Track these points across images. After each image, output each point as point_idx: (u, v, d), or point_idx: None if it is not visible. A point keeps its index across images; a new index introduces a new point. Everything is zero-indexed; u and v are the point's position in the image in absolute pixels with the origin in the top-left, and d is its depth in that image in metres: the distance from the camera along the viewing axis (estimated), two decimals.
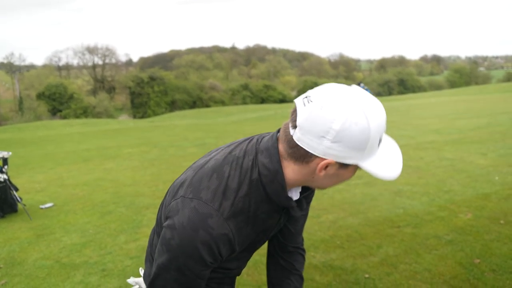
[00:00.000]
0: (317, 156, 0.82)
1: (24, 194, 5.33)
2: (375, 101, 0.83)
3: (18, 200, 4.62)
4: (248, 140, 0.97)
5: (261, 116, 19.14)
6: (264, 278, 2.80)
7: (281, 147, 0.89)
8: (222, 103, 44.01)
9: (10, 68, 45.76)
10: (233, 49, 77.71)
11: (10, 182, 4.61)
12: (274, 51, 75.18)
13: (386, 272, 2.78)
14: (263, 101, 44.45)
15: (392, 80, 52.71)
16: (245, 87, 47.49)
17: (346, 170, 0.86)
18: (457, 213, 3.83)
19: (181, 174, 1.01)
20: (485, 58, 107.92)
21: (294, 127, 0.83)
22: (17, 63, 47.82)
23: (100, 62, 53.36)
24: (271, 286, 1.24)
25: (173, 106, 45.20)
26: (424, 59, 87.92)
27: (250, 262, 2.97)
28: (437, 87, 51.67)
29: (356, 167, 0.87)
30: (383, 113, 0.84)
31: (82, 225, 4.18)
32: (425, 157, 6.50)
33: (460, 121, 10.79)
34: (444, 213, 3.85)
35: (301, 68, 65.02)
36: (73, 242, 3.72)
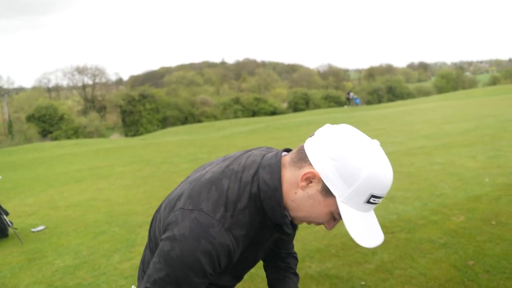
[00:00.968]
0: (310, 164, 0.85)
1: (15, 218, 5.26)
2: (386, 164, 0.84)
3: (8, 225, 4.55)
4: (246, 155, 0.98)
5: (253, 129, 19.21)
6: None
7: (288, 156, 0.92)
8: (214, 117, 44.07)
9: None
10: (223, 64, 78.34)
11: (0, 207, 4.55)
12: (263, 64, 75.89)
13: (382, 278, 2.78)
14: (254, 114, 44.61)
15: (381, 88, 53.36)
16: (236, 101, 47.69)
17: (324, 200, 0.85)
18: (449, 216, 3.86)
19: (176, 188, 1.02)
20: (470, 63, 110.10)
21: (311, 136, 0.90)
22: (5, 86, 47.58)
23: (90, 82, 53.28)
24: (270, 283, 1.29)
25: (165, 123, 45.14)
26: (411, 66, 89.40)
27: (246, 275, 2.95)
28: (425, 93, 52.43)
29: (333, 208, 0.86)
30: (386, 177, 0.82)
31: (75, 247, 4.12)
32: (416, 162, 6.57)
33: (449, 126, 10.95)
34: (436, 217, 3.88)
35: (291, 80, 65.61)
36: (66, 264, 3.67)
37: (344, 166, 0.81)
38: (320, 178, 0.84)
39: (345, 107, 28.47)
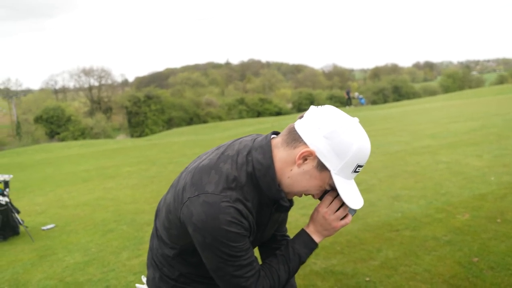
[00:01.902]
0: (304, 144, 0.95)
1: (25, 217, 5.36)
2: (367, 137, 0.98)
3: (20, 223, 4.65)
4: (238, 142, 1.07)
5: (258, 129, 19.25)
6: None
7: (279, 137, 1.02)
8: (219, 118, 44.19)
9: (7, 93, 45.98)
10: (228, 64, 78.49)
11: (12, 205, 4.65)
12: (268, 65, 75.94)
13: (387, 274, 2.82)
14: (259, 114, 44.65)
15: (386, 88, 53.13)
16: (241, 101, 47.75)
17: (319, 174, 0.97)
18: (454, 214, 3.88)
19: (179, 179, 1.08)
20: (477, 62, 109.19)
21: (301, 117, 0.99)
22: (13, 88, 48.09)
23: (96, 84, 53.70)
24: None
25: (170, 123, 45.34)
26: (417, 65, 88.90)
27: None
28: (431, 92, 52.11)
29: (326, 180, 0.98)
30: (368, 148, 0.97)
31: (84, 244, 4.21)
32: (422, 161, 6.58)
33: (455, 125, 10.91)
34: (441, 215, 3.90)
35: (295, 81, 65.58)
36: (76, 261, 3.74)
37: (337, 143, 0.93)
38: (316, 156, 0.95)
39: (347, 107, 28.38)
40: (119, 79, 62.48)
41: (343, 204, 1.05)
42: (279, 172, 0.99)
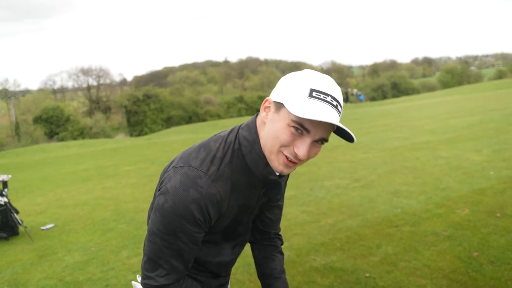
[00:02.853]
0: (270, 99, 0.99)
1: (24, 217, 5.34)
2: (320, 73, 0.98)
3: (19, 223, 4.64)
4: (234, 126, 1.10)
5: None
6: None
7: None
8: (218, 116, 44.15)
9: (5, 94, 45.87)
10: (226, 62, 78.37)
11: (11, 205, 4.63)
12: (266, 62, 75.83)
13: (387, 270, 2.81)
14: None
15: (385, 84, 53.06)
16: (240, 99, 47.69)
17: (278, 115, 0.94)
18: (454, 209, 3.88)
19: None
20: (475, 58, 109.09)
21: None
22: (12, 88, 47.96)
23: (95, 83, 53.60)
24: (258, 263, 1.35)
25: (169, 122, 45.29)
26: (415, 61, 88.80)
27: (252, 269, 3.00)
28: (430, 88, 52.07)
29: (286, 116, 0.91)
30: (316, 75, 0.95)
31: (83, 244, 4.20)
32: (421, 157, 6.57)
33: (454, 120, 10.90)
34: (441, 210, 3.90)
35: None
36: (76, 260, 3.74)
37: (284, 81, 0.97)
38: (272, 100, 0.97)
39: (346, 103, 28.33)
40: (117, 79, 62.35)
41: None
42: (261, 142, 0.99)
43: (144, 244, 1.20)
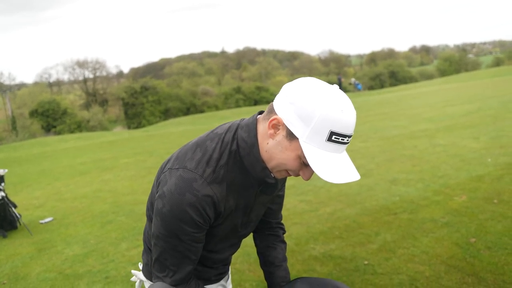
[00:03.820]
0: (275, 113, 0.92)
1: (23, 211, 5.34)
2: (341, 103, 0.87)
3: (17, 217, 4.63)
4: (230, 123, 1.07)
5: None
6: None
7: (263, 114, 0.99)
8: (216, 107, 44.03)
9: (0, 88, 45.55)
10: (223, 53, 77.87)
11: (8, 199, 4.62)
12: (264, 52, 75.35)
13: (385, 257, 2.83)
14: (256, 102, 44.47)
15: (383, 73, 52.87)
16: (238, 90, 47.50)
17: (290, 144, 0.89)
18: (452, 196, 3.89)
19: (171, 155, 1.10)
20: (473, 45, 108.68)
21: None
22: (7, 82, 47.55)
23: (91, 76, 53.23)
24: (260, 252, 1.35)
25: (167, 114, 45.15)
26: (413, 50, 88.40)
27: (252, 259, 3.01)
28: (428, 76, 51.95)
29: (299, 151, 0.89)
30: (339, 115, 0.85)
31: (83, 236, 4.20)
32: (419, 145, 6.58)
33: (451, 108, 10.90)
34: (439, 197, 3.91)
35: (292, 68, 65.20)
36: (75, 253, 3.74)
37: (301, 107, 0.87)
38: (284, 123, 0.90)
39: None
40: (114, 71, 62.04)
41: None
42: (260, 147, 0.97)
43: (144, 234, 1.22)
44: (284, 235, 1.38)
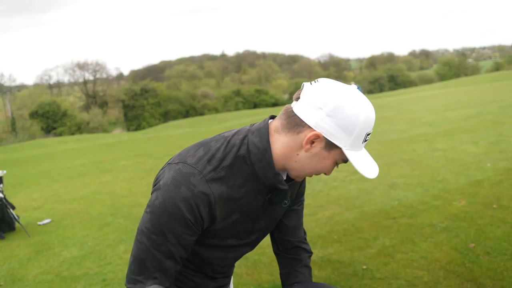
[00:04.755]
0: (309, 127, 0.89)
1: (21, 212, 5.33)
2: (369, 102, 0.93)
3: (15, 218, 4.62)
4: (238, 128, 1.03)
5: (255, 120, 19.06)
6: (264, 276, 2.83)
7: (277, 121, 0.95)
8: (215, 110, 44.09)
9: (0, 89, 45.56)
10: (223, 56, 78.09)
11: (7, 201, 4.61)
12: (264, 55, 75.51)
13: (384, 262, 2.82)
14: (255, 106, 44.55)
15: (382, 77, 53.06)
16: (237, 93, 47.59)
17: (329, 154, 0.91)
18: (451, 201, 3.88)
19: None
20: (472, 50, 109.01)
21: (297, 99, 0.92)
22: (7, 83, 47.61)
23: (91, 78, 53.32)
24: (282, 278, 1.26)
25: (166, 116, 45.19)
26: (412, 54, 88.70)
27: (249, 262, 3.00)
28: (427, 81, 52.10)
29: (337, 157, 0.92)
30: (373, 114, 0.92)
31: (80, 238, 4.19)
32: (418, 149, 6.58)
33: (451, 113, 10.91)
34: (438, 201, 3.90)
35: (291, 71, 65.36)
36: (73, 255, 3.73)
37: (342, 119, 0.87)
38: (323, 137, 0.89)
39: None
40: (114, 73, 62.13)
41: None
42: (282, 157, 0.94)
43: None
44: None
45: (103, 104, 50.81)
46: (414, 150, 6.55)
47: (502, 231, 3.05)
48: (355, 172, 5.53)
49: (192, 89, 50.08)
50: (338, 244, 3.20)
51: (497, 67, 53.89)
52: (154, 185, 0.97)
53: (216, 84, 57.86)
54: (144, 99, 44.85)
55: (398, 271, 2.67)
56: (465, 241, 2.97)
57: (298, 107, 0.91)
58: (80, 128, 38.76)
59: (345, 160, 0.92)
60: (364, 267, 2.78)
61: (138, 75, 66.80)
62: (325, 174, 0.97)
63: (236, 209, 0.98)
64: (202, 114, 42.19)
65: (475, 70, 57.68)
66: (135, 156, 10.59)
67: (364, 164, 0.93)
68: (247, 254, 1.21)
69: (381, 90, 48.02)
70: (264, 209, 1.04)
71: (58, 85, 56.49)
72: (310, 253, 1.26)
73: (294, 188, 1.12)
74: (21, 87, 57.26)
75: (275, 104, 43.26)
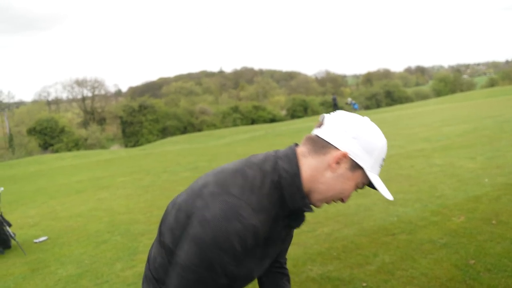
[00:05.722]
0: (335, 148, 0.97)
1: (17, 230, 5.27)
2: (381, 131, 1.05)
3: (11, 236, 4.56)
4: (261, 154, 1.06)
5: (253, 136, 19.25)
6: None
7: (302, 147, 1.02)
8: (213, 126, 44.19)
9: None
10: (221, 73, 78.86)
11: (3, 218, 4.57)
12: (261, 72, 76.33)
13: (384, 279, 2.79)
14: (253, 122, 44.73)
15: (379, 93, 53.54)
16: (235, 109, 47.82)
17: (352, 174, 0.98)
18: (450, 216, 3.88)
19: (197, 181, 1.04)
20: (467, 66, 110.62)
21: (320, 126, 1.01)
22: (5, 100, 47.74)
23: (90, 94, 53.55)
24: None
25: (164, 132, 45.23)
26: (408, 70, 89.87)
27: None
28: (423, 96, 52.59)
29: (359, 180, 1.00)
30: (386, 142, 1.04)
31: (77, 256, 4.14)
32: (416, 165, 6.59)
33: (447, 128, 10.98)
34: (437, 217, 3.89)
35: (289, 88, 65.92)
36: (69, 273, 3.68)
37: (366, 141, 0.97)
38: (349, 157, 0.97)
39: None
40: (112, 89, 62.41)
41: None
42: (309, 179, 0.99)
43: (150, 262, 1.12)
44: None
45: (101, 121, 50.88)
46: (412, 165, 6.57)
47: (502, 247, 3.04)
48: None
49: (190, 105, 50.33)
50: (338, 261, 3.18)
51: (492, 83, 54.54)
52: (190, 214, 0.93)
53: (214, 100, 58.21)
54: (142, 116, 44.96)
55: None
56: (465, 258, 2.95)
57: (323, 132, 0.99)
58: (77, 145, 38.68)
59: (366, 182, 1.01)
60: (364, 284, 2.76)
61: (136, 91, 67.21)
62: (343, 200, 1.03)
63: (266, 240, 1.00)
64: (200, 130, 42.27)
65: (470, 86, 58.36)
66: (133, 173, 10.55)
67: (383, 186, 1.01)
68: None
69: (378, 106, 48.40)
70: (282, 234, 1.07)
71: (57, 101, 56.66)
72: (288, 278, 1.33)
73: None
74: (20, 104, 57.41)
75: (273, 120, 43.43)
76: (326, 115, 1.02)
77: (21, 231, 5.36)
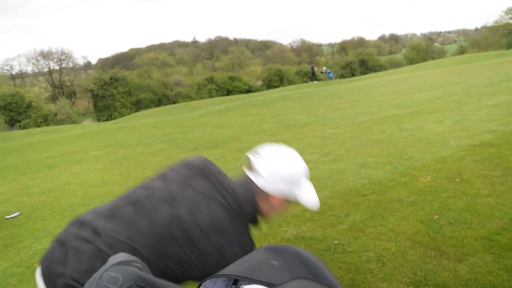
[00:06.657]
0: (272, 196, 1.31)
1: None
2: (297, 155, 1.35)
3: None
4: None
5: (228, 107, 19.09)
6: None
7: (254, 187, 1.33)
8: (189, 98, 43.45)
9: None
10: (195, 43, 76.75)
11: None
12: (236, 42, 74.81)
13: (354, 236, 2.93)
14: (229, 92, 44.23)
15: (353, 61, 53.76)
16: (210, 80, 47.04)
17: (288, 203, 1.36)
18: (417, 177, 4.05)
19: (154, 187, 1.34)
20: (439, 34, 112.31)
21: (250, 169, 1.35)
22: None
23: (57, 67, 51.10)
24: None
25: (138, 106, 44.14)
26: (382, 39, 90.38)
27: None
28: (396, 65, 53.24)
29: (292, 202, 1.35)
30: (304, 163, 1.35)
31: (52, 230, 4.09)
32: (387, 130, 6.78)
33: (418, 94, 11.25)
34: (405, 178, 4.07)
35: (264, 57, 65.16)
36: (44, 247, 3.64)
37: (289, 178, 1.29)
38: (284, 199, 1.31)
39: (311, 83, 28.67)
40: (81, 62, 59.80)
41: None
42: (263, 211, 1.33)
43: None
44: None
45: (71, 95, 48.96)
46: (384, 131, 6.75)
47: (464, 203, 3.23)
48: (327, 153, 5.67)
49: (163, 77, 49.06)
50: (311, 222, 3.29)
51: (461, 51, 55.78)
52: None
53: (188, 72, 56.94)
54: (114, 88, 43.52)
55: (368, 244, 2.79)
56: (430, 213, 3.12)
57: (258, 181, 1.27)
58: (47, 120, 37.22)
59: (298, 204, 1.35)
60: (336, 242, 2.89)
61: (106, 63, 64.63)
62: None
63: None
64: (175, 102, 41.50)
65: (441, 54, 59.55)
66: (107, 146, 10.34)
67: (310, 198, 1.32)
68: None
69: (353, 74, 48.73)
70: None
71: (21, 75, 53.86)
72: None
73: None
74: None
75: (249, 91, 43.05)
76: (252, 158, 1.29)
77: None
